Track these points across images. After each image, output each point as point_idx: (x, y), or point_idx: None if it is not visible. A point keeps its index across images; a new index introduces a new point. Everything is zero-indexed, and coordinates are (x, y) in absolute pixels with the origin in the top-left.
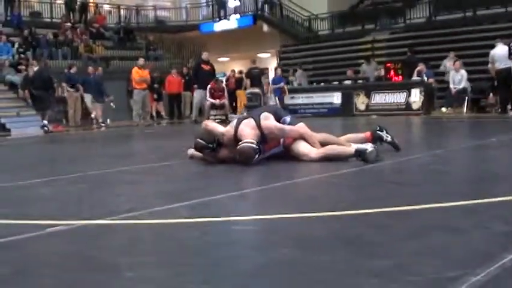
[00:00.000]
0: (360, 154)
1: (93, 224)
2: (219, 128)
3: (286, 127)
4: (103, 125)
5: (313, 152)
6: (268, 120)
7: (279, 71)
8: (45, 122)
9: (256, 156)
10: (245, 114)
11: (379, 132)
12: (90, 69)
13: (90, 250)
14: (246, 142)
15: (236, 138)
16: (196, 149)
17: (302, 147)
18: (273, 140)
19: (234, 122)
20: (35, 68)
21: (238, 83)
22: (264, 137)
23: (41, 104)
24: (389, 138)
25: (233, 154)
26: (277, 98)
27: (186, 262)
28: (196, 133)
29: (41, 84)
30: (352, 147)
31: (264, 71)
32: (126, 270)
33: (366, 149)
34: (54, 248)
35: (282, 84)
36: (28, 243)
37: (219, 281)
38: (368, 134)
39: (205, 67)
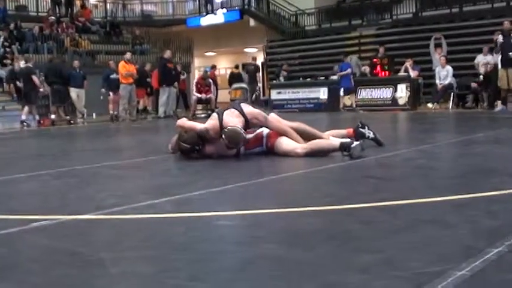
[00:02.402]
0: (345, 148)
1: (78, 219)
2: (198, 126)
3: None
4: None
5: (299, 147)
6: (249, 108)
7: (349, 58)
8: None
9: (241, 151)
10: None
11: (361, 130)
12: (76, 63)
13: (75, 245)
14: (230, 126)
15: (221, 130)
16: (182, 152)
17: (286, 144)
18: (256, 125)
19: (215, 115)
20: (22, 63)
21: (236, 78)
22: (247, 124)
23: (59, 98)
24: (371, 135)
25: (218, 149)
26: (341, 90)
27: (172, 257)
28: (179, 136)
29: (58, 79)
30: (337, 141)
31: (259, 68)
32: (110, 266)
33: (351, 143)
34: (38, 243)
35: (348, 70)
36: (12, 238)
37: (204, 276)
38: (350, 130)
39: (169, 65)
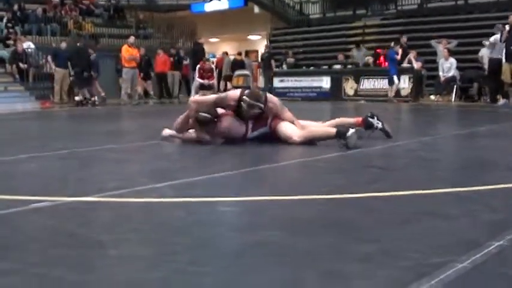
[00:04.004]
0: (340, 136)
1: (79, 201)
2: (210, 97)
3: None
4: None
5: (296, 134)
6: (270, 95)
7: (397, 48)
8: (100, 96)
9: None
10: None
11: (370, 119)
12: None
13: (75, 227)
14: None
15: (240, 98)
16: (200, 123)
17: (287, 128)
18: (271, 113)
19: (237, 90)
20: (24, 44)
21: (239, 65)
22: (264, 107)
23: (81, 80)
24: (380, 125)
25: (231, 125)
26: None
27: (172, 241)
28: (198, 107)
29: (79, 62)
30: (334, 129)
31: (273, 55)
32: (110, 248)
33: (347, 131)
34: (39, 224)
35: (395, 56)
36: (13, 219)
37: (204, 261)
38: (359, 119)
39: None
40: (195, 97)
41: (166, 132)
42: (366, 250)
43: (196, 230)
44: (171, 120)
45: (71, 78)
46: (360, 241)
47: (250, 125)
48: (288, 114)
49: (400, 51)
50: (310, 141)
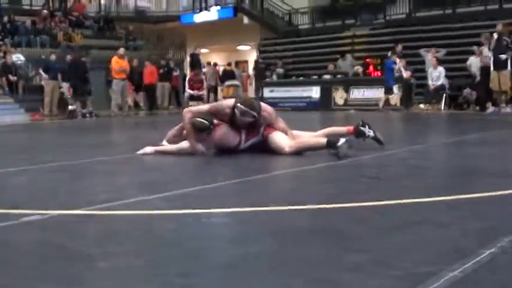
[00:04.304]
0: (331, 146)
1: (69, 214)
2: (204, 106)
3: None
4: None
5: (287, 145)
6: (264, 104)
7: (394, 57)
8: (89, 109)
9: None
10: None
11: (361, 128)
12: (69, 57)
13: (65, 240)
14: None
15: (235, 105)
16: (196, 129)
17: (279, 139)
18: (264, 122)
19: (232, 99)
20: (13, 56)
21: (228, 76)
22: (258, 119)
23: (79, 92)
24: (371, 133)
25: (226, 134)
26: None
27: (162, 254)
28: (193, 115)
29: (77, 74)
30: (325, 139)
31: (268, 65)
32: (100, 261)
33: (337, 141)
34: (28, 238)
35: (393, 65)
36: (2, 233)
37: (195, 273)
38: (351, 128)
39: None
40: (189, 107)
41: (147, 149)
42: (356, 259)
43: (187, 242)
44: (161, 132)
45: (61, 90)
46: (351, 250)
47: (243, 136)
48: (281, 124)
49: (397, 60)
50: (301, 152)
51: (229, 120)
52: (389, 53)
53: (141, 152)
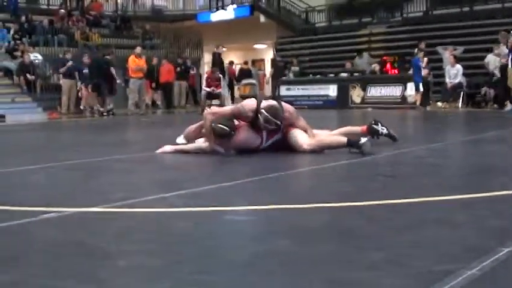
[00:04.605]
0: (352, 144)
1: (87, 211)
2: (227, 108)
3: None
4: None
5: (307, 143)
6: (287, 104)
7: (421, 54)
8: (108, 107)
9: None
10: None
11: (374, 126)
12: (85, 58)
13: (82, 237)
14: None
15: (258, 109)
16: (217, 135)
17: (298, 136)
18: (286, 122)
19: (253, 99)
20: (31, 55)
21: (245, 74)
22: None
23: (100, 91)
24: (385, 131)
25: (247, 137)
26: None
27: (180, 251)
28: (215, 120)
29: (99, 73)
30: (345, 138)
31: (287, 63)
32: (118, 259)
33: (359, 140)
34: (46, 235)
35: (420, 63)
36: (21, 230)
37: (213, 270)
38: (364, 128)
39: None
40: (211, 109)
41: (166, 148)
42: (373, 258)
43: (204, 240)
44: (178, 130)
45: (79, 88)
46: (368, 249)
47: (264, 136)
48: (302, 122)
49: (424, 58)
50: (320, 150)
51: (250, 122)
52: (415, 51)
53: (160, 150)
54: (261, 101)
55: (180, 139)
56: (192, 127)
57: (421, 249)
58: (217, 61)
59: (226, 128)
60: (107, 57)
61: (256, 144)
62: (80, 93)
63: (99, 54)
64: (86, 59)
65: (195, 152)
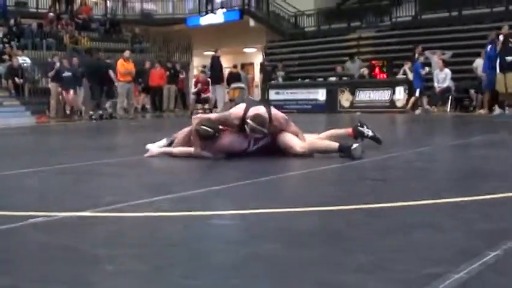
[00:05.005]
0: (343, 150)
1: (75, 216)
2: (212, 115)
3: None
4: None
5: (298, 145)
6: (276, 110)
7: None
8: (106, 108)
9: (250, 146)
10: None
11: (360, 128)
12: (75, 60)
13: (71, 242)
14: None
15: (244, 118)
16: (201, 137)
17: (289, 139)
18: (275, 130)
19: (242, 105)
20: (20, 58)
21: (235, 78)
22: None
23: (96, 94)
24: (370, 133)
25: (232, 141)
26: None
27: (168, 255)
28: (200, 122)
29: (94, 76)
30: (336, 143)
31: (277, 66)
32: (106, 263)
33: (351, 145)
34: (35, 239)
35: (420, 69)
36: (9, 234)
37: (200, 274)
38: (350, 130)
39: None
40: (197, 115)
41: (153, 150)
42: (361, 262)
43: (192, 244)
44: (167, 134)
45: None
46: (356, 253)
47: (252, 140)
48: (293, 128)
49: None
50: (311, 153)
51: (237, 128)
52: (416, 56)
53: (148, 154)
54: (248, 109)
55: (152, 150)
56: (180, 134)
57: (409, 253)
58: (216, 65)
59: (210, 130)
60: (107, 60)
61: (243, 148)
62: (60, 97)
63: (94, 57)
64: (75, 61)
65: (182, 156)
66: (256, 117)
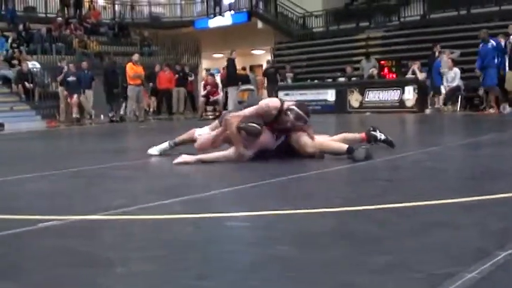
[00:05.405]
0: (349, 151)
1: (86, 219)
2: (250, 109)
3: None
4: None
5: (310, 145)
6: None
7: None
8: (121, 112)
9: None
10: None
11: (372, 132)
12: (84, 64)
13: (82, 245)
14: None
15: (282, 108)
16: (250, 134)
17: (302, 138)
18: (298, 127)
19: (273, 99)
20: (29, 63)
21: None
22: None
23: (110, 97)
24: (382, 137)
25: (268, 138)
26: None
27: (180, 257)
28: (243, 121)
29: (112, 80)
30: (346, 145)
31: (279, 69)
32: (118, 266)
33: (356, 148)
34: (45, 243)
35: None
36: (20, 238)
37: (213, 276)
38: (363, 135)
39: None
40: (233, 113)
41: (186, 158)
42: (377, 262)
43: (205, 246)
44: (177, 136)
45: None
46: (371, 253)
47: (275, 136)
48: (311, 130)
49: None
50: (320, 154)
51: (270, 121)
52: (436, 54)
53: (179, 161)
54: (284, 101)
55: (153, 150)
56: (207, 137)
57: (422, 253)
58: (232, 67)
59: (258, 126)
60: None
61: (273, 144)
62: (65, 102)
63: (110, 62)
64: (84, 65)
65: (218, 160)
66: (302, 106)
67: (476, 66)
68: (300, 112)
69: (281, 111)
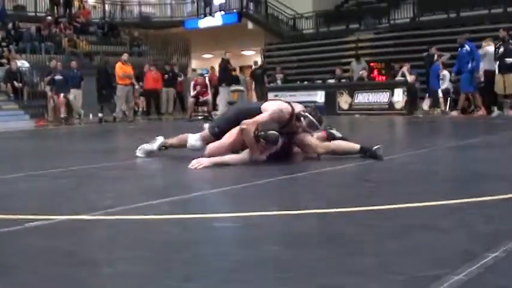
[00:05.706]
0: (366, 151)
1: (73, 219)
2: (265, 115)
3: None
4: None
5: (320, 145)
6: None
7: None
8: (114, 114)
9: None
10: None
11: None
12: (73, 63)
13: (69, 246)
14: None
15: (293, 113)
16: (271, 142)
17: (309, 139)
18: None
19: (281, 102)
20: (18, 62)
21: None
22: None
23: (102, 97)
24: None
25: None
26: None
27: (167, 258)
28: (261, 128)
29: (106, 80)
30: (358, 145)
31: (267, 70)
32: (105, 266)
33: (372, 147)
34: (33, 243)
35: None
36: (7, 238)
37: (200, 277)
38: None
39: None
40: (247, 120)
41: (204, 161)
42: (362, 264)
43: (192, 247)
44: (166, 137)
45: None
46: (356, 255)
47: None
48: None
49: (441, 65)
50: (333, 154)
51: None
52: (435, 57)
53: (195, 165)
54: (295, 107)
55: (141, 151)
56: (220, 144)
57: (409, 255)
58: (226, 68)
59: (277, 133)
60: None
61: (278, 149)
62: (52, 102)
63: (102, 62)
64: (73, 64)
65: (235, 163)
66: (315, 112)
67: (452, 70)
68: (313, 120)
69: (292, 116)
